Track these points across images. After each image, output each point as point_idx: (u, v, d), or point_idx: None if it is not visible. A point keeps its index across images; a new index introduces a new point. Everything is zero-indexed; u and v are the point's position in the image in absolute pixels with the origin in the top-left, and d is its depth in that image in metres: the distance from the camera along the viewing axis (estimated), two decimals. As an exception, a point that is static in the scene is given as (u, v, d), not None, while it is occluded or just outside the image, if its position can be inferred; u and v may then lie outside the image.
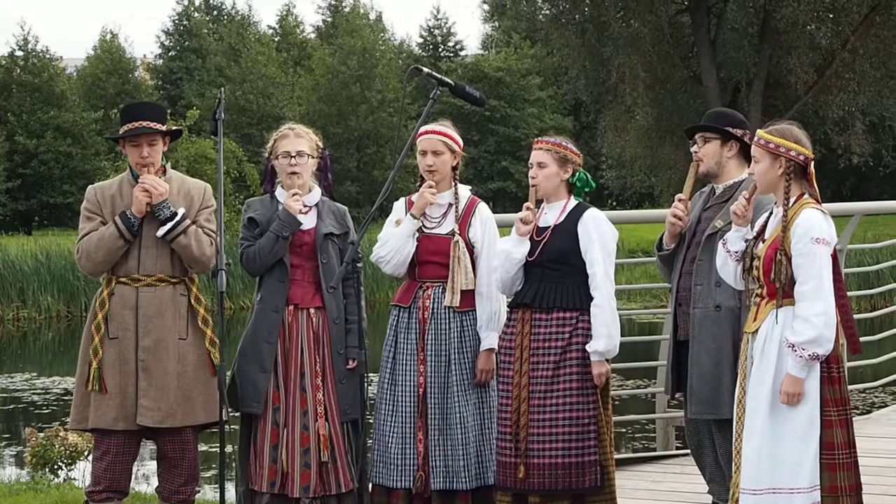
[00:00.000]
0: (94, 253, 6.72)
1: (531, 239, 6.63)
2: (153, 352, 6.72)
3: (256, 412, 6.87)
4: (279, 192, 7.08)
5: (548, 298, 6.58)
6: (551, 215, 6.69)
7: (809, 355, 5.71)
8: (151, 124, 6.81)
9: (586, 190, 6.73)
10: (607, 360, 6.59)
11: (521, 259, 6.62)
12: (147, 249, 6.79)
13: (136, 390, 6.69)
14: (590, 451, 6.51)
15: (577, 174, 6.69)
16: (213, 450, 10.45)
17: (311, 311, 6.96)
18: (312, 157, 7.05)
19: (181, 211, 6.82)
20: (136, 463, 6.99)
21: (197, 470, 6.96)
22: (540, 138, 6.76)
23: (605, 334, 6.50)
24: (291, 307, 6.94)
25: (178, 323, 6.81)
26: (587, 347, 6.51)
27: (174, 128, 7.14)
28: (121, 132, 6.84)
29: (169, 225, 6.76)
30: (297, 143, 7.01)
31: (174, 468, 6.88)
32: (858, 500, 5.86)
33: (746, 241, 6.06)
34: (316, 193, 7.12)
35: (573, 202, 6.70)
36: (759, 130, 5.97)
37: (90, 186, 6.98)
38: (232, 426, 6.66)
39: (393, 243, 6.92)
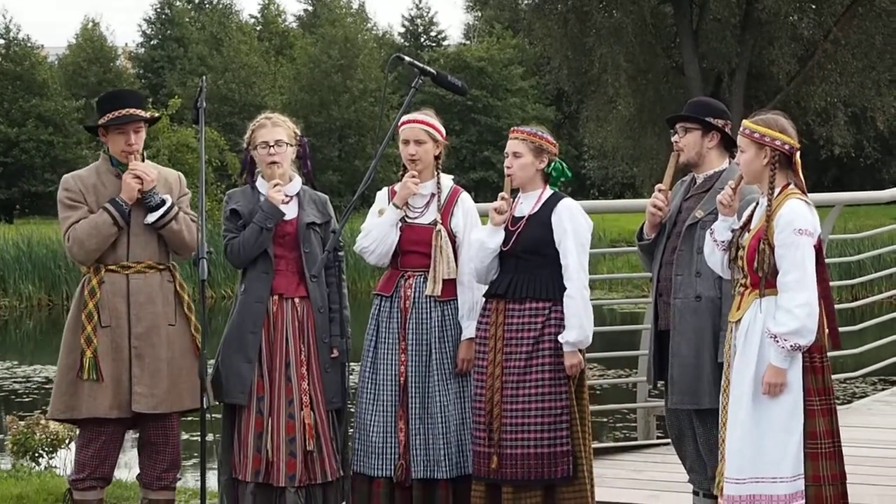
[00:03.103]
0: (88, 241, 6.68)
1: (506, 229, 6.63)
2: (146, 338, 6.72)
3: (241, 403, 6.85)
4: (260, 183, 7.04)
5: (521, 289, 6.58)
6: (526, 205, 6.68)
7: (791, 346, 5.72)
8: (138, 111, 6.80)
9: (562, 179, 6.73)
10: (581, 351, 6.60)
11: (495, 249, 6.62)
12: (136, 237, 6.78)
13: (129, 377, 6.69)
14: (562, 441, 6.52)
15: (553, 163, 6.68)
16: (195, 438, 10.42)
17: (296, 300, 6.94)
18: (291, 146, 7.01)
19: (168, 198, 6.83)
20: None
21: (179, 456, 6.95)
22: (515, 128, 6.75)
23: (576, 325, 6.50)
24: (276, 297, 6.92)
25: (167, 309, 6.81)
26: (559, 338, 6.52)
27: (156, 115, 7.14)
28: (107, 119, 6.79)
29: (160, 211, 6.76)
30: (275, 132, 6.97)
31: (157, 454, 6.87)
32: (842, 489, 5.89)
33: (733, 230, 6.07)
34: (296, 182, 7.09)
35: (549, 192, 6.69)
36: (744, 120, 5.97)
37: (67, 175, 6.91)
38: (215, 415, 6.65)
39: (376, 233, 6.91)
